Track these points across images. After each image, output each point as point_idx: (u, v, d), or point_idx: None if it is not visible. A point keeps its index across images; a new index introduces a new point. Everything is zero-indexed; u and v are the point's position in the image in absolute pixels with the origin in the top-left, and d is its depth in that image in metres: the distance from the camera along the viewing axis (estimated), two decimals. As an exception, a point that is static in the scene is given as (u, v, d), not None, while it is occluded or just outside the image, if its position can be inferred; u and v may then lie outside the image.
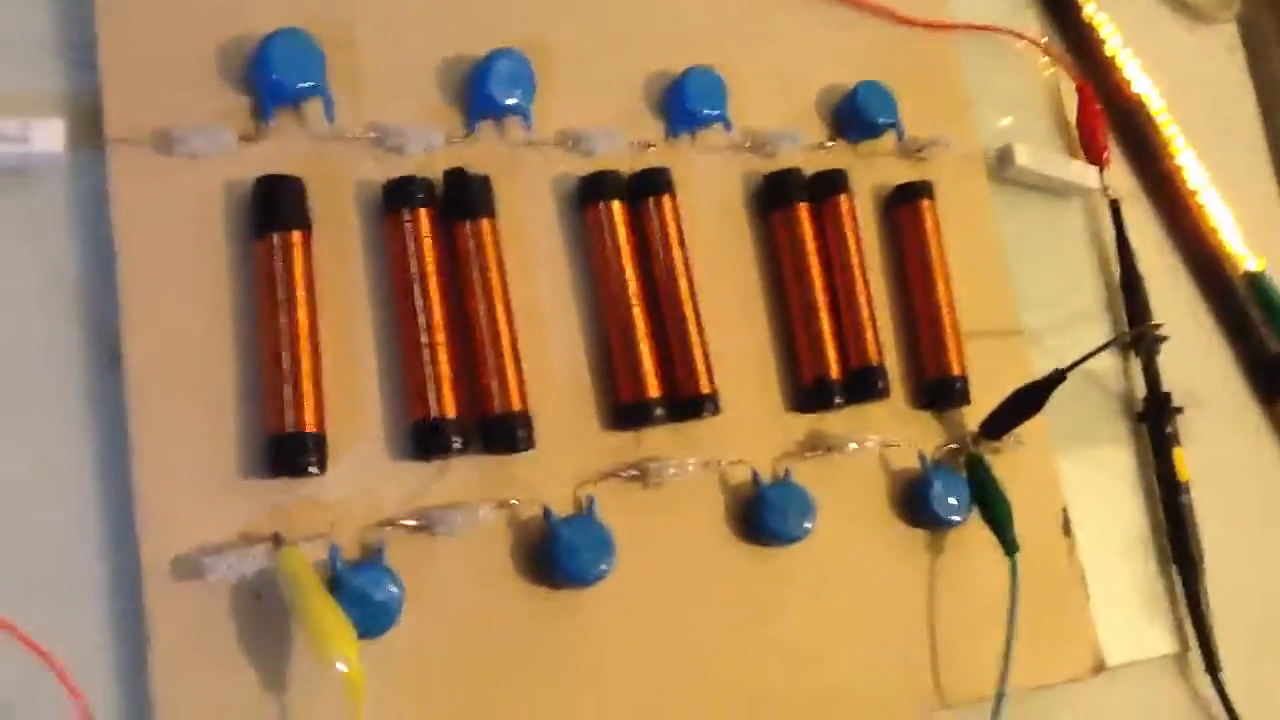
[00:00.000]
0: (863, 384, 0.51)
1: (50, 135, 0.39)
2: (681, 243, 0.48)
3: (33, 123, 0.39)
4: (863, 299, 0.51)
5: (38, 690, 0.35)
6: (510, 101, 0.46)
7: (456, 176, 0.45)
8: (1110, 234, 0.62)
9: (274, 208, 0.41)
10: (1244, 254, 0.65)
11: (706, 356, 0.47)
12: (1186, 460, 0.59)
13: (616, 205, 0.47)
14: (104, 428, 0.39)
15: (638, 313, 0.46)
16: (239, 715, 0.38)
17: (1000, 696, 0.48)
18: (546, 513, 0.44)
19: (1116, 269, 0.62)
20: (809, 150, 0.53)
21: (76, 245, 0.40)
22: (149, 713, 0.37)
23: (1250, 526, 0.63)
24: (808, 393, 0.50)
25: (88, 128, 0.40)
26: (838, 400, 0.50)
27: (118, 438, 0.39)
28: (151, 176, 0.41)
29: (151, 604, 0.38)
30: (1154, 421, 0.60)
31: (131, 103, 0.41)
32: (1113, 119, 0.64)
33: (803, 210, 0.51)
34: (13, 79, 0.40)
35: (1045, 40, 0.64)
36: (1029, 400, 0.52)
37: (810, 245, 0.51)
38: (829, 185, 0.52)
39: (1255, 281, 0.65)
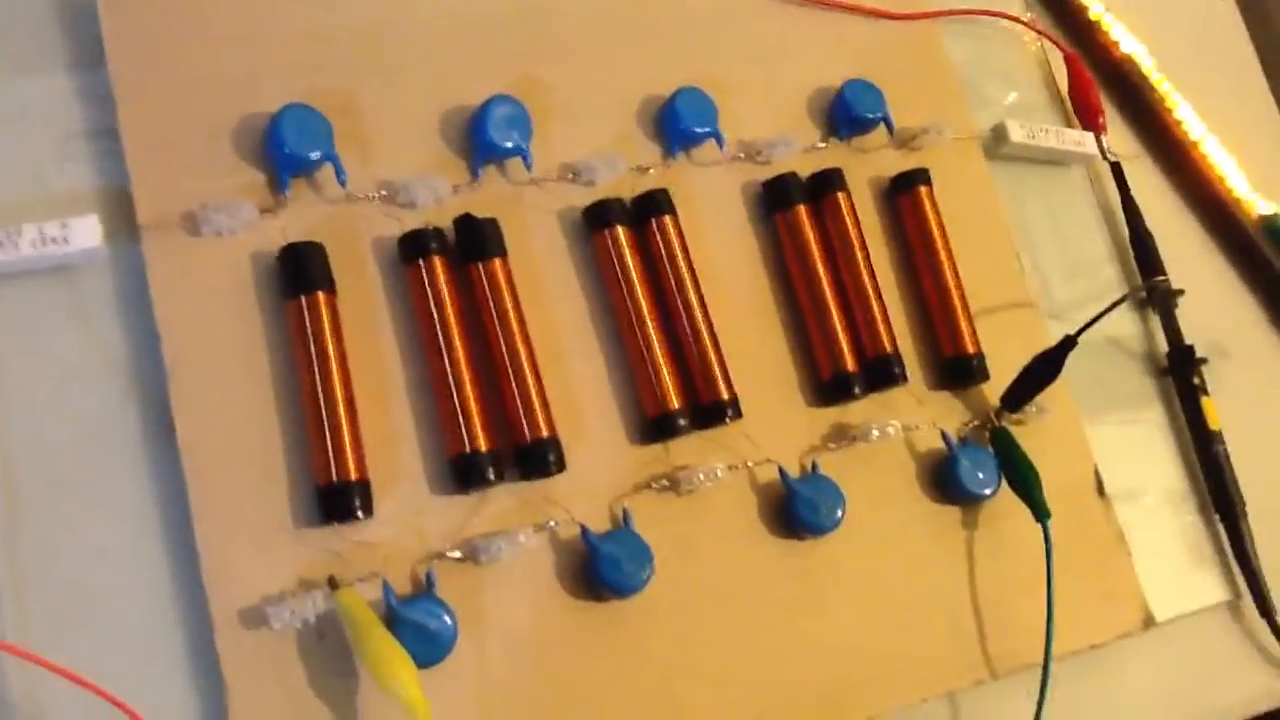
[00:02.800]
0: (880, 373, 0.52)
1: (88, 231, 0.42)
2: (688, 258, 0.50)
3: (71, 222, 0.42)
4: (871, 290, 0.53)
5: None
6: (509, 144, 0.48)
7: (466, 222, 0.47)
8: (1116, 197, 0.63)
9: (299, 273, 0.44)
10: (1253, 199, 0.66)
11: (723, 363, 0.49)
12: (1217, 410, 0.60)
13: (621, 230, 0.49)
14: (164, 494, 0.42)
15: (653, 329, 0.48)
16: (316, 751, 0.41)
17: (1047, 660, 0.49)
18: (584, 530, 0.46)
19: (1125, 230, 0.63)
20: (803, 153, 0.55)
21: (122, 328, 0.43)
22: (232, 757, 0.40)
23: (1288, 468, 0.63)
24: (827, 387, 0.52)
25: (121, 217, 0.43)
26: (857, 391, 0.51)
27: (178, 502, 0.41)
28: (183, 256, 0.43)
29: (224, 654, 0.40)
30: (1179, 374, 0.60)
31: (157, 190, 0.44)
32: (1107, 83, 0.65)
33: (803, 212, 0.53)
34: (48, 181, 0.43)
35: (1029, 16, 0.65)
36: (1045, 368, 0.53)
37: (814, 244, 0.53)
38: (826, 184, 0.54)
39: (1270, 225, 0.66)
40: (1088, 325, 0.51)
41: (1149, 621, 0.55)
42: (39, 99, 0.44)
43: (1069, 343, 0.52)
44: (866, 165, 0.57)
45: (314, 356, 0.43)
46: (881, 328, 0.52)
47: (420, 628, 0.42)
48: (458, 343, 0.45)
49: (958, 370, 0.54)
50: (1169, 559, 0.58)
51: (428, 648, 0.42)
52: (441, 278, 0.46)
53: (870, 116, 0.56)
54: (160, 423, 0.42)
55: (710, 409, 0.48)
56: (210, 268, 0.44)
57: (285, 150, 0.45)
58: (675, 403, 0.48)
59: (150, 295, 0.43)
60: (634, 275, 0.49)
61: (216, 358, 0.43)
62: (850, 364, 0.52)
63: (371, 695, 0.42)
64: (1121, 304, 0.52)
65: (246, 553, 0.42)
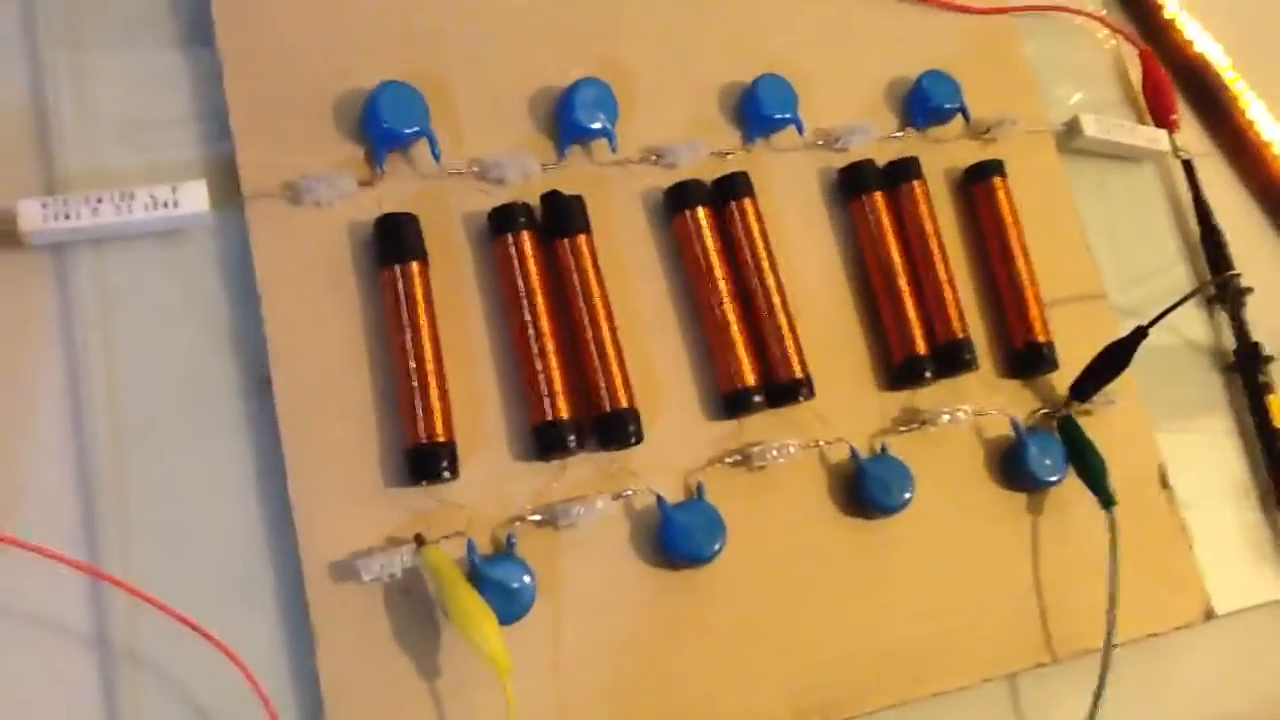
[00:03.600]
0: (951, 358, 0.53)
1: (196, 196, 0.44)
2: (766, 240, 0.51)
3: (181, 187, 0.44)
4: (944, 277, 0.54)
5: (224, 686, 0.40)
6: (596, 126, 0.50)
7: (553, 199, 0.48)
8: (1187, 194, 0.63)
9: (393, 243, 0.46)
10: (1325, 200, 0.66)
11: (798, 343, 0.50)
12: (1283, 408, 0.60)
13: (702, 212, 0.51)
14: (261, 450, 0.43)
15: (730, 308, 0.50)
16: (399, 699, 0.42)
17: (1108, 646, 0.50)
18: (659, 500, 0.47)
19: (1196, 227, 0.63)
20: (880, 141, 0.56)
21: (225, 290, 0.45)
22: (320, 702, 0.41)
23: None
24: (898, 371, 0.53)
25: (226, 186, 0.45)
26: (928, 375, 0.52)
27: (274, 458, 0.43)
28: (284, 224, 0.45)
29: (315, 605, 0.42)
30: (1246, 371, 0.61)
31: (262, 162, 0.46)
32: (1180, 81, 0.66)
33: (879, 198, 0.54)
34: (160, 150, 0.46)
35: (1105, 12, 0.66)
36: (1115, 359, 0.53)
37: (889, 231, 0.54)
38: (902, 173, 0.55)
39: (1341, 226, 0.66)
40: (1160, 317, 0.52)
41: (1209, 614, 0.56)
42: (153, 71, 0.46)
43: (1140, 333, 0.52)
44: (942, 155, 0.57)
45: (406, 323, 0.45)
46: (953, 314, 0.53)
47: (502, 586, 0.43)
48: (543, 315, 0.46)
49: (1028, 359, 0.55)
50: (1231, 553, 0.59)
51: (508, 605, 0.43)
52: (529, 251, 0.47)
53: (947, 107, 0.57)
54: (259, 381, 0.44)
55: (784, 387, 0.50)
56: (310, 236, 0.46)
57: (383, 126, 0.46)
58: (750, 380, 0.49)
59: (252, 260, 0.45)
60: (713, 255, 0.50)
61: (313, 321, 0.45)
62: (922, 348, 0.52)
63: (453, 649, 0.43)
64: (1194, 297, 0.53)
65: (337, 509, 0.43)
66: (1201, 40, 0.66)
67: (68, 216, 0.42)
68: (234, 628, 0.40)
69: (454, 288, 0.47)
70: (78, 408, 0.42)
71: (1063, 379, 0.55)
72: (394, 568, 0.43)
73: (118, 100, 0.46)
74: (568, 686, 0.45)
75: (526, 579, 0.44)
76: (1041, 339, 0.55)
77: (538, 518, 0.46)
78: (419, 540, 0.44)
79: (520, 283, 0.47)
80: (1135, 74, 0.65)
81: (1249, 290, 0.61)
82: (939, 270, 0.54)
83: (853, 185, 0.54)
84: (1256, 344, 0.61)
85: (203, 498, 0.43)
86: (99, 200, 0.43)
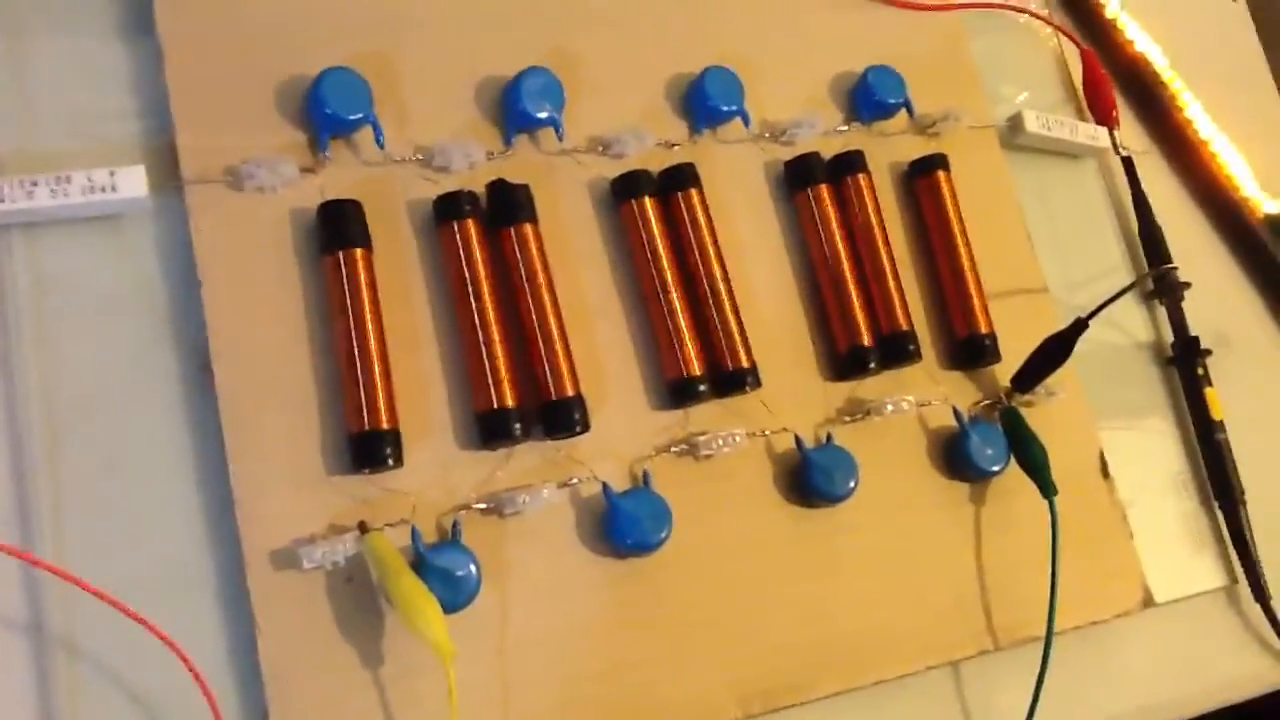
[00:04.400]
0: (895, 349, 0.54)
1: (135, 181, 0.43)
2: (712, 231, 0.51)
3: (119, 171, 0.43)
4: (888, 269, 0.54)
5: (163, 676, 0.39)
6: (543, 115, 0.50)
7: (499, 187, 0.48)
8: (1127, 191, 0.65)
9: (337, 229, 0.45)
10: (1260, 199, 0.67)
11: (744, 333, 0.50)
12: (1220, 400, 0.61)
13: (648, 201, 0.51)
14: (202, 437, 0.43)
15: (676, 298, 0.50)
16: (342, 687, 0.42)
17: (1049, 633, 0.51)
18: (606, 488, 0.47)
19: (1135, 223, 0.64)
20: (826, 135, 0.56)
21: (164, 275, 0.44)
22: (262, 691, 0.41)
23: (1288, 459, 0.65)
24: (843, 361, 0.53)
25: (167, 171, 0.45)
26: (872, 366, 0.53)
27: (215, 445, 0.43)
28: (225, 210, 0.45)
29: (256, 593, 0.42)
30: (1184, 365, 0.62)
31: (202, 146, 0.45)
32: (1120, 80, 0.67)
33: (824, 191, 0.54)
34: (98, 134, 0.45)
35: (1048, 12, 0.67)
36: (1056, 351, 0.54)
37: (834, 223, 0.54)
38: (847, 166, 0.55)
39: (1275, 223, 0.67)
40: (1099, 309, 0.53)
41: (1148, 602, 0.56)
42: (92, 55, 0.46)
43: (1080, 325, 0.53)
44: (886, 149, 0.58)
45: (349, 310, 0.44)
46: (897, 305, 0.54)
47: (446, 574, 0.43)
48: (488, 303, 0.46)
49: (970, 350, 0.56)
50: (1170, 543, 0.60)
51: (452, 594, 0.43)
52: (474, 240, 0.47)
53: (892, 102, 0.57)
54: (199, 367, 0.44)
55: (730, 377, 0.50)
56: (251, 222, 0.45)
57: (326, 111, 0.46)
58: (697, 369, 0.49)
59: (192, 246, 0.44)
60: (659, 245, 0.50)
61: (255, 308, 0.45)
62: (866, 339, 0.53)
63: (396, 637, 0.43)
64: (1132, 289, 0.53)
65: (280, 496, 0.43)
66: (1141, 41, 0.68)
67: (1, 200, 0.41)
68: (174, 616, 0.39)
69: (398, 275, 0.47)
70: (11, 394, 0.42)
71: (1005, 370, 0.56)
72: (337, 555, 0.43)
73: (56, 84, 0.45)
74: (512, 674, 0.44)
75: (471, 567, 0.44)
76: (984, 331, 0.56)
77: (483, 506, 0.46)
78: (362, 527, 0.43)
79: (465, 271, 0.47)
80: (1077, 73, 0.66)
81: (1187, 285, 0.62)
82: (883, 262, 0.54)
83: (798, 178, 0.55)
84: (1194, 338, 0.62)
85: (142, 485, 0.42)
86: (34, 183, 0.42)
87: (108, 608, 0.38)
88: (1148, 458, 0.61)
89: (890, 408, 0.53)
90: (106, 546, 0.41)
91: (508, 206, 0.48)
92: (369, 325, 0.44)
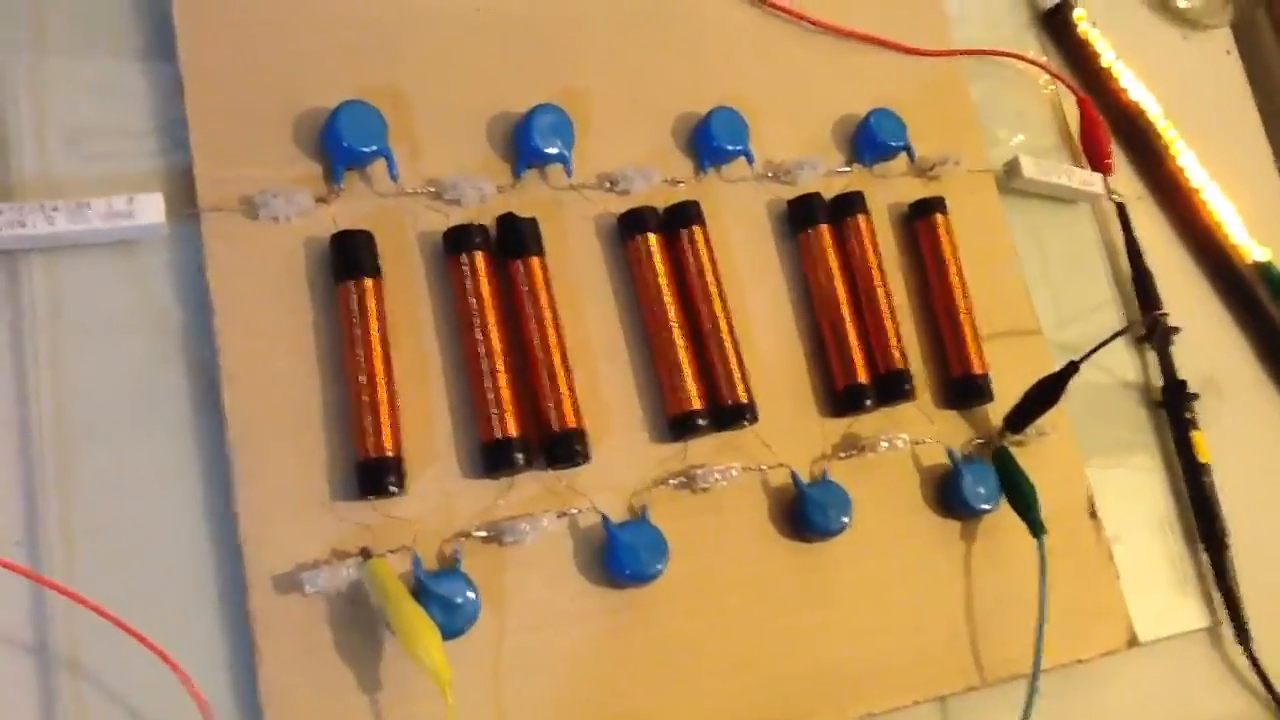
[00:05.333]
0: (891, 387, 0.55)
1: (153, 208, 0.44)
2: (714, 267, 0.52)
3: (137, 198, 0.44)
4: (886, 309, 0.55)
5: (164, 696, 0.40)
6: (552, 151, 0.51)
7: (508, 221, 0.49)
8: (1119, 236, 0.66)
9: (348, 259, 0.46)
10: (1249, 246, 0.69)
11: (743, 369, 0.51)
12: (1208, 444, 0.63)
13: (653, 238, 0.52)
14: (208, 460, 0.44)
15: (678, 333, 0.51)
16: (339, 712, 0.42)
17: (1035, 671, 0.51)
18: (605, 519, 0.48)
19: (1128, 268, 0.65)
20: (827, 176, 0.58)
21: (178, 301, 0.45)
22: (260, 713, 0.41)
23: (1272, 502, 0.66)
24: (840, 398, 0.54)
25: (183, 199, 0.45)
26: (868, 403, 0.54)
27: (222, 469, 0.43)
28: (240, 238, 0.46)
29: (257, 616, 0.42)
30: (1173, 408, 0.63)
31: (219, 175, 0.46)
32: (1115, 128, 0.68)
33: (825, 231, 0.55)
34: (117, 161, 0.46)
35: (1045, 60, 0.68)
36: (1047, 392, 0.55)
37: (834, 263, 0.55)
38: (848, 207, 0.56)
39: (1265, 271, 0.69)
40: (1091, 352, 0.54)
41: (1133, 641, 0.57)
42: (114, 83, 0.47)
43: (1072, 368, 0.54)
44: (887, 191, 0.59)
45: (358, 338, 0.45)
46: (894, 344, 0.55)
47: (446, 601, 0.44)
48: (494, 334, 0.47)
49: (965, 390, 0.57)
50: (1155, 583, 0.61)
51: (452, 620, 0.44)
52: (482, 272, 0.48)
53: (893, 145, 0.59)
54: (208, 393, 0.44)
55: (729, 411, 0.51)
56: (265, 250, 0.46)
57: (342, 143, 0.47)
58: (696, 404, 0.50)
59: (206, 273, 0.45)
60: (663, 281, 0.51)
61: (266, 335, 0.45)
62: (863, 377, 0.54)
63: (395, 663, 0.44)
64: (1124, 334, 0.55)
65: (284, 521, 0.44)
66: (1136, 90, 0.69)
67: (23, 225, 0.42)
68: (176, 637, 0.40)
69: (408, 306, 0.48)
70: (24, 413, 0.42)
71: (998, 410, 0.57)
72: (338, 581, 0.43)
73: (77, 110, 0.46)
74: (508, 700, 0.45)
75: (471, 594, 0.44)
76: (978, 371, 0.57)
77: (484, 534, 0.46)
78: (364, 553, 0.44)
79: (473, 302, 0.48)
80: (1073, 119, 0.68)
81: (1176, 330, 0.64)
82: (881, 302, 0.55)
83: (800, 217, 0.56)
84: (1183, 382, 0.63)
85: (149, 507, 0.43)
86: (54, 209, 0.43)
87: (111, 627, 0.39)
88: (1135, 499, 0.62)
89: (885, 445, 0.54)
90: (113, 567, 0.42)
91: (516, 239, 0.49)
92: (377, 354, 0.45)
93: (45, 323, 0.43)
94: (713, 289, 0.52)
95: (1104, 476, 0.60)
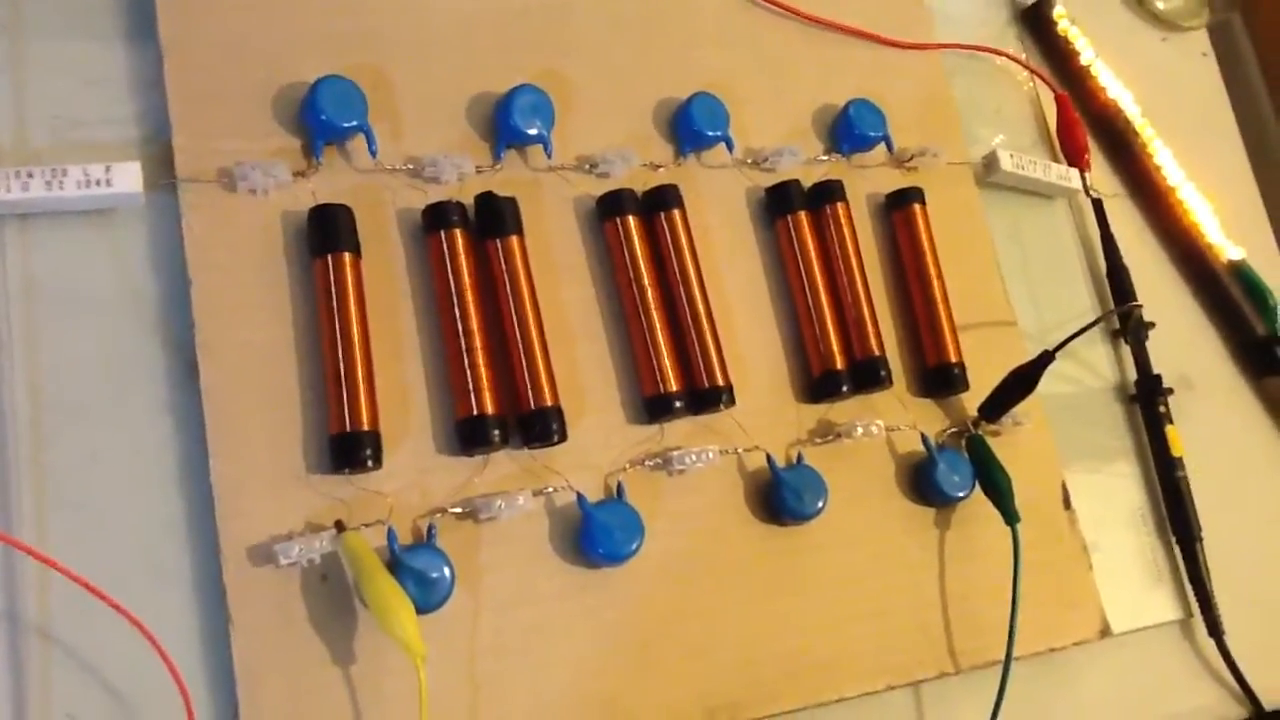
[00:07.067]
0: (867, 374, 0.55)
1: (130, 177, 0.44)
2: (693, 251, 0.52)
3: (114, 166, 0.44)
4: (863, 296, 0.55)
5: (137, 665, 0.40)
6: (533, 131, 0.51)
7: (487, 200, 0.49)
8: (1096, 231, 0.66)
9: (327, 233, 0.46)
10: (1224, 244, 0.69)
11: (720, 352, 0.51)
12: (1181, 438, 0.63)
13: (632, 220, 0.52)
14: (184, 432, 0.44)
15: (655, 315, 0.51)
16: (313, 683, 0.42)
17: (1008, 658, 0.52)
18: (580, 498, 0.48)
19: (1103, 262, 0.66)
20: (807, 164, 0.58)
21: (154, 272, 0.45)
22: (233, 683, 0.41)
23: (1244, 497, 0.66)
24: (816, 384, 0.54)
25: (161, 169, 0.45)
26: (844, 390, 0.54)
27: (197, 441, 0.43)
28: (217, 209, 0.46)
29: (232, 587, 0.42)
30: (1146, 402, 0.64)
31: (198, 147, 0.46)
32: (1092, 125, 0.69)
33: (803, 218, 0.56)
34: (95, 133, 0.46)
35: (1025, 56, 0.69)
36: (1022, 382, 0.55)
37: (812, 249, 0.56)
38: (826, 194, 0.57)
39: (1239, 269, 0.69)
40: (1066, 342, 0.54)
41: (1106, 632, 0.58)
42: (93, 57, 0.47)
43: (1046, 357, 0.54)
44: (865, 180, 0.60)
45: (336, 312, 0.45)
46: (870, 332, 0.55)
47: (420, 575, 0.44)
48: (472, 312, 0.47)
49: (940, 378, 0.57)
50: (1127, 575, 0.61)
51: (426, 595, 0.44)
52: (461, 250, 0.48)
53: (872, 135, 0.59)
54: (184, 364, 0.44)
55: (706, 394, 0.51)
56: (242, 222, 0.46)
57: (321, 118, 0.47)
58: (673, 385, 0.50)
59: (183, 243, 0.45)
60: (641, 263, 0.51)
61: (243, 307, 0.45)
62: (839, 363, 0.54)
63: (368, 636, 0.44)
64: (1099, 324, 0.55)
65: (259, 493, 0.44)
66: (1114, 88, 0.70)
67: (-2, 189, 0.42)
68: (150, 607, 0.40)
69: (385, 282, 0.48)
70: (-3, 385, 0.42)
71: (973, 399, 0.58)
72: (313, 553, 0.43)
73: (57, 84, 0.46)
74: (482, 677, 0.45)
75: (446, 570, 0.44)
76: (953, 360, 0.57)
77: (459, 510, 0.46)
78: (339, 526, 0.44)
79: (451, 280, 0.48)
80: (1051, 116, 0.68)
81: (1151, 325, 0.64)
82: (858, 290, 0.56)
83: (778, 204, 0.56)
84: (1157, 376, 0.64)
85: (123, 478, 0.43)
86: (29, 174, 0.43)
87: (84, 594, 0.39)
88: (1109, 492, 0.62)
89: (860, 431, 0.54)
90: (87, 537, 0.42)
91: (495, 219, 0.49)
92: (354, 328, 0.45)
93: (19, 292, 0.43)
94: (691, 272, 0.52)
95: (1078, 469, 0.61)
